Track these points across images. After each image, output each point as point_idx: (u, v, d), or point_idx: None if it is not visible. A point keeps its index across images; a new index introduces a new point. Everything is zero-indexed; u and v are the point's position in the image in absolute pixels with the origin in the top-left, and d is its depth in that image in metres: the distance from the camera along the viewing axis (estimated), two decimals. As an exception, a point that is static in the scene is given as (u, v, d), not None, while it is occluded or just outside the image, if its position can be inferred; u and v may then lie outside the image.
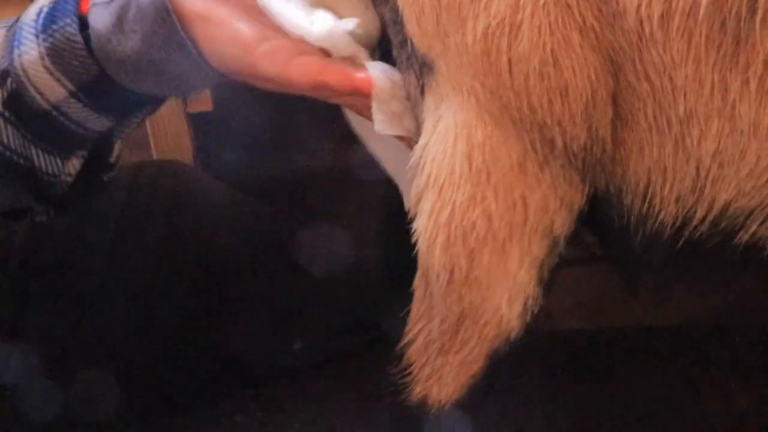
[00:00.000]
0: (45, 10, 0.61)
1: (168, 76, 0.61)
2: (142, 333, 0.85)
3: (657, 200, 0.53)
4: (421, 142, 0.56)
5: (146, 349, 0.85)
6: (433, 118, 0.55)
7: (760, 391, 0.85)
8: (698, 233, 0.53)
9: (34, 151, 0.63)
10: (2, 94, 0.61)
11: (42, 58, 0.60)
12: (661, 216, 0.54)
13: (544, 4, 0.47)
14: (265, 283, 0.90)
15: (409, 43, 0.55)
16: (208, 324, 0.88)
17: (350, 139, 0.69)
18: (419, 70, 0.56)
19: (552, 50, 0.48)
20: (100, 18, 0.59)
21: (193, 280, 0.88)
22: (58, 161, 0.65)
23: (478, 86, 0.51)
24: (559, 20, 0.47)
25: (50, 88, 0.61)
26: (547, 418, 0.84)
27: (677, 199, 0.53)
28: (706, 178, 0.51)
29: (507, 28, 0.48)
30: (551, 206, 0.54)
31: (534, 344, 0.92)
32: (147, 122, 0.96)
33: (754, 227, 0.52)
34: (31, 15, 0.61)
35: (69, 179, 0.66)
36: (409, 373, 0.61)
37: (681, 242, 0.54)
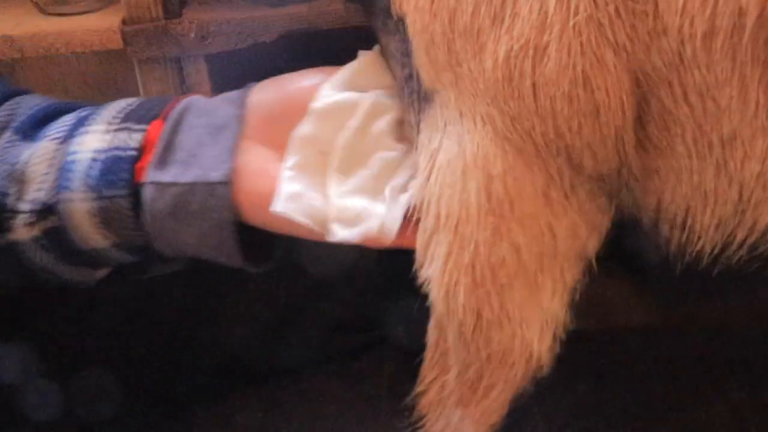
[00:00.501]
0: (101, 159, 0.59)
1: (212, 261, 0.62)
2: (142, 332, 0.85)
3: (697, 227, 0.51)
4: (419, 181, 0.53)
5: (146, 349, 0.85)
6: (428, 153, 0.52)
7: (760, 391, 0.85)
8: (736, 258, 0.52)
9: (64, 268, 0.63)
10: (42, 226, 0.60)
11: (91, 215, 0.59)
12: (700, 243, 0.52)
13: (574, 24, 0.45)
14: (264, 282, 0.90)
15: (414, 76, 0.52)
16: (208, 323, 0.88)
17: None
18: (417, 107, 0.53)
19: (583, 71, 0.46)
20: (155, 200, 0.58)
21: (192, 278, 0.87)
22: (87, 272, 0.65)
23: (496, 113, 0.48)
24: (592, 39, 0.45)
25: (94, 239, 0.60)
26: (547, 418, 0.84)
27: (718, 225, 0.50)
28: (749, 201, 0.49)
29: (531, 51, 0.46)
30: (582, 233, 0.52)
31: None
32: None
33: None
34: (86, 155, 0.59)
35: (94, 282, 0.66)
36: (422, 426, 0.59)
37: (717, 268, 0.52)
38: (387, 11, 0.53)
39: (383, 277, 0.91)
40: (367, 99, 0.58)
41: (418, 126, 0.54)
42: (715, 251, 0.52)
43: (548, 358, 0.55)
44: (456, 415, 0.57)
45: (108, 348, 0.83)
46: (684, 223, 0.52)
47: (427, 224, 0.53)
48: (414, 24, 0.50)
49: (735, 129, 0.46)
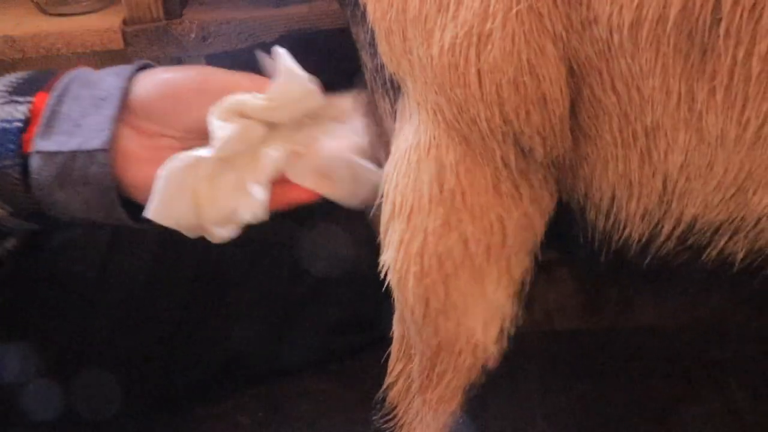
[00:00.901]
0: None
1: (105, 226, 0.63)
2: (142, 332, 0.85)
3: (622, 216, 0.52)
4: (386, 169, 0.54)
5: (146, 349, 0.85)
6: (396, 142, 0.53)
7: (760, 391, 0.85)
8: (665, 250, 0.52)
9: None
10: None
11: None
12: (626, 232, 0.52)
13: (517, 12, 0.45)
14: (264, 282, 0.90)
15: (380, 65, 0.53)
16: (209, 323, 0.88)
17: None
18: (392, 96, 0.54)
19: (528, 60, 0.46)
20: (41, 169, 0.59)
21: (193, 279, 0.88)
22: None
23: (443, 101, 0.49)
24: (534, 29, 0.45)
25: None
26: (546, 418, 0.84)
27: (643, 215, 0.51)
28: (673, 192, 0.49)
29: (475, 38, 0.46)
30: (535, 223, 0.52)
31: (534, 344, 0.92)
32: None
33: (722, 243, 0.50)
34: None
35: (5, 253, 0.67)
36: (393, 417, 0.60)
37: (648, 259, 0.53)
38: (355, 2, 0.54)
39: (383, 277, 0.91)
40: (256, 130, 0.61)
41: (395, 115, 0.54)
42: (643, 240, 0.52)
43: (496, 351, 0.55)
44: (418, 403, 0.58)
45: (108, 348, 0.83)
46: (609, 210, 0.52)
47: (385, 211, 0.54)
48: (374, 12, 0.51)
49: (658, 120, 0.47)
